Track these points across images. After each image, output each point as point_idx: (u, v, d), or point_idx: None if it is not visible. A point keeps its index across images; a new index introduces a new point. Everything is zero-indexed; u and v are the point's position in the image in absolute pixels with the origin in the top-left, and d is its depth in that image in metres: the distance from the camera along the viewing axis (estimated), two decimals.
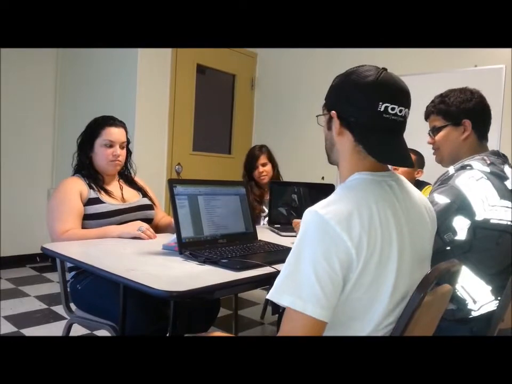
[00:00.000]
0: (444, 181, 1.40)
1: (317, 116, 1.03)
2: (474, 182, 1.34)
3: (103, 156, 1.81)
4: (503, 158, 1.45)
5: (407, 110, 0.92)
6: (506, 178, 1.39)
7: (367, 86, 0.89)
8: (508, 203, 1.36)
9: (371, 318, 0.88)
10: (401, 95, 0.91)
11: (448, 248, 1.34)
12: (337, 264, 0.80)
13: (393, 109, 0.89)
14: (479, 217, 1.32)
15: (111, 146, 1.81)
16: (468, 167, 1.39)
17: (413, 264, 0.92)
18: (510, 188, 1.38)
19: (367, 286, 0.84)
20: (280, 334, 0.83)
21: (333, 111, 0.94)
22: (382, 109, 0.89)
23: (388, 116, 0.89)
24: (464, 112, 1.42)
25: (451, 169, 1.44)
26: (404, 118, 0.93)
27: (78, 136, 1.86)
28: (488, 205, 1.32)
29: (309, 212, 0.84)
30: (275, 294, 0.83)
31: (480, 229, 1.33)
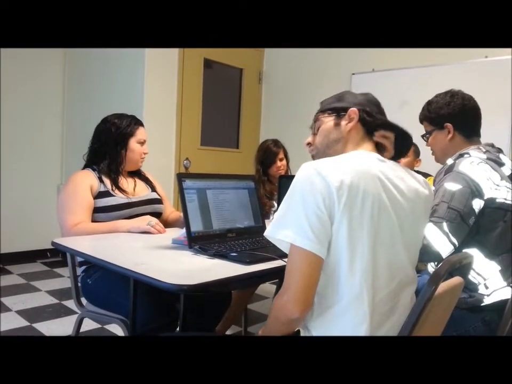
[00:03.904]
0: (447, 170, 1.46)
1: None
2: (476, 166, 1.42)
3: (137, 153, 1.91)
4: (497, 149, 1.54)
5: None
6: (502, 164, 1.49)
7: None
8: (508, 184, 1.44)
9: (354, 274, 0.92)
10: None
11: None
12: (322, 203, 0.90)
13: None
14: (487, 196, 1.39)
15: (142, 144, 1.93)
16: (466, 155, 1.48)
17: (397, 239, 0.98)
18: (506, 174, 1.47)
19: (347, 236, 0.91)
20: (286, 269, 0.93)
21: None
22: None
23: None
24: (444, 117, 1.55)
25: (449, 160, 1.52)
26: None
27: (107, 134, 1.85)
28: (493, 184, 1.40)
29: (306, 166, 0.95)
30: (271, 231, 0.95)
31: (487, 208, 1.39)
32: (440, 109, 1.55)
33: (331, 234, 0.91)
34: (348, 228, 0.90)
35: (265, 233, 0.97)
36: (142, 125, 1.94)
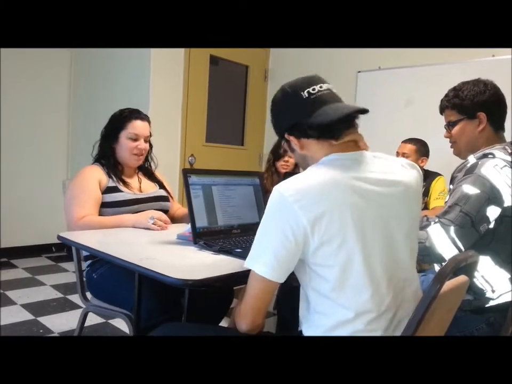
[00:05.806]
0: (468, 170, 1.38)
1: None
2: (499, 170, 1.34)
3: (127, 149, 1.81)
4: None
5: None
6: None
7: None
8: None
9: (345, 290, 0.92)
10: None
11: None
12: (292, 236, 0.89)
13: None
14: (506, 204, 1.32)
15: (135, 139, 1.81)
16: (489, 155, 1.39)
17: (389, 239, 0.96)
18: None
19: (331, 257, 0.90)
20: (247, 285, 0.97)
21: None
22: None
23: None
24: (478, 105, 1.43)
25: (471, 158, 1.44)
26: None
27: (104, 126, 1.85)
28: None
29: (274, 189, 0.93)
30: (246, 263, 0.96)
31: (505, 216, 1.32)
32: (474, 96, 1.42)
33: (305, 258, 0.92)
34: (330, 249, 0.89)
35: (244, 265, 0.97)
36: (141, 118, 1.83)
